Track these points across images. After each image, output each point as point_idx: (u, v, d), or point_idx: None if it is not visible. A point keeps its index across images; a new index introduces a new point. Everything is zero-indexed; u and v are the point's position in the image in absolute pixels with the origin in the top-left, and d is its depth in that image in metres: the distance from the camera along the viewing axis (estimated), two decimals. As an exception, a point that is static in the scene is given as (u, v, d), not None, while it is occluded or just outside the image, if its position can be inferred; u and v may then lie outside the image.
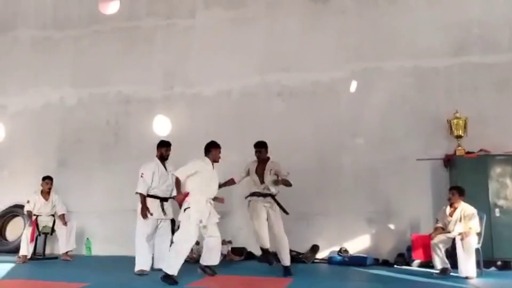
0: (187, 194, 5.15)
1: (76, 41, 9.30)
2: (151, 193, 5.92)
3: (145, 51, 8.89)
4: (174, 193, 5.84)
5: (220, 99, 8.34)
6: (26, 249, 7.03)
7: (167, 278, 4.79)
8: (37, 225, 7.35)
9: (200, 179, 5.16)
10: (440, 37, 7.62)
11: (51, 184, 7.65)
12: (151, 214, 5.79)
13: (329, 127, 7.79)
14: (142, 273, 5.58)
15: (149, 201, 5.87)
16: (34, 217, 7.36)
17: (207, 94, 8.46)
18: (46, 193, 7.59)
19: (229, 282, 5.30)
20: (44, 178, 7.63)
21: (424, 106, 7.46)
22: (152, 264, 5.80)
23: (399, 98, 7.62)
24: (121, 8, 9.09)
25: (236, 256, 7.32)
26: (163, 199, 5.98)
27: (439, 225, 6.11)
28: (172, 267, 4.83)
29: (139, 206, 5.82)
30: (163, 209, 5.93)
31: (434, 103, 7.43)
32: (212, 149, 5.44)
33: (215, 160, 5.45)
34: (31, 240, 7.16)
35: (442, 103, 7.35)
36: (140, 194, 5.83)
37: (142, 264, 5.66)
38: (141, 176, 5.90)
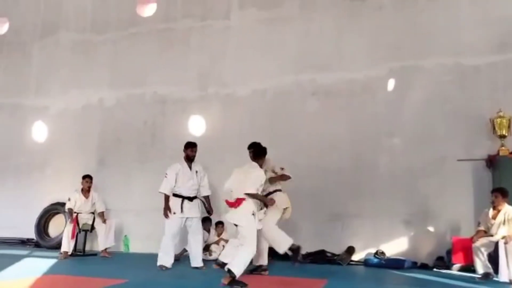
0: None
1: (114, 43, 9.56)
2: (175, 192, 6.16)
3: (181, 52, 9.02)
4: (203, 193, 6.38)
5: (255, 99, 8.35)
6: (67, 246, 7.27)
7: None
8: (77, 223, 7.58)
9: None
10: (482, 33, 7.35)
11: (91, 182, 7.87)
12: (174, 213, 6.04)
13: (365, 126, 7.65)
14: (161, 269, 5.91)
15: (172, 200, 6.14)
16: (74, 215, 7.59)
17: (241, 94, 8.49)
18: (86, 191, 7.82)
19: (266, 282, 5.28)
20: (84, 177, 7.86)
21: (465, 104, 7.21)
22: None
23: (438, 96, 7.39)
24: (157, 10, 9.32)
25: None
26: (187, 198, 6.17)
27: (481, 228, 5.89)
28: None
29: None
30: (182, 208, 6.11)
31: (476, 102, 7.17)
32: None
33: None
34: (72, 237, 7.39)
35: (484, 102, 7.08)
36: (164, 194, 6.15)
37: (164, 260, 5.98)
38: (165, 177, 6.22)
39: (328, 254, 7.30)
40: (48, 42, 10.12)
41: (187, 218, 6.13)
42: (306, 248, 7.43)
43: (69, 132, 9.46)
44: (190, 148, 6.36)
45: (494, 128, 6.81)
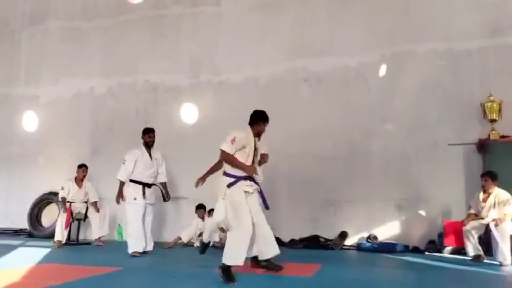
0: None
1: (104, 31, 9.45)
2: (135, 178, 6.24)
3: (172, 39, 8.95)
4: (160, 180, 6.48)
5: (247, 86, 8.33)
6: (61, 235, 7.26)
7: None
8: (71, 212, 7.57)
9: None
10: (474, 18, 7.36)
11: (86, 172, 7.86)
12: (134, 199, 6.15)
13: (358, 112, 7.68)
14: (135, 255, 5.98)
15: (133, 186, 6.22)
16: (68, 204, 7.58)
17: (234, 82, 8.47)
18: (80, 181, 7.80)
19: (252, 268, 5.32)
20: (80, 166, 7.83)
21: (457, 90, 7.25)
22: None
23: (431, 82, 7.43)
24: (148, -3, 9.18)
25: None
26: (146, 185, 6.26)
27: (472, 211, 5.97)
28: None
29: (119, 191, 6.28)
30: (144, 194, 6.22)
31: (468, 87, 7.21)
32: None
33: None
34: (66, 226, 7.39)
35: (476, 87, 7.12)
36: (119, 180, 6.26)
37: (135, 246, 6.07)
38: (123, 163, 6.27)
39: (322, 239, 7.38)
40: (37, 30, 9.98)
41: (146, 204, 6.26)
42: (300, 233, 7.52)
43: (61, 122, 9.39)
44: (148, 134, 6.38)
45: (484, 113, 6.85)
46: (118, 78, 9.16)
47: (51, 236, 7.70)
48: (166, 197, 6.56)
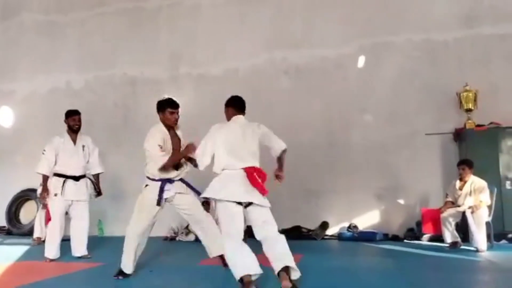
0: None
1: (80, 24, 9.27)
2: (58, 171, 5.25)
3: (151, 31, 8.83)
4: (93, 171, 5.49)
5: (227, 78, 8.29)
6: (39, 231, 7.15)
7: None
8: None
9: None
10: (450, 8, 7.47)
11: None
12: (55, 195, 5.16)
13: (337, 103, 7.73)
14: (46, 261, 5.11)
15: (54, 180, 5.24)
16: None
17: (214, 74, 8.42)
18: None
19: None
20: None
21: (434, 79, 7.37)
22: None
23: (408, 72, 7.52)
24: (125, -12, 9.04)
25: None
26: (71, 178, 5.25)
27: (449, 199, 6.10)
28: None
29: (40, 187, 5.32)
30: (63, 189, 5.19)
31: (444, 77, 7.32)
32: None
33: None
34: (46, 223, 7.26)
35: (453, 77, 7.24)
36: (42, 174, 5.24)
37: (48, 251, 5.16)
38: (43, 153, 5.28)
39: (303, 230, 7.44)
40: (11, 24, 9.73)
41: (72, 201, 5.25)
42: (282, 224, 7.55)
43: (38, 117, 9.20)
44: (71, 117, 5.37)
45: (461, 102, 6.98)
46: (95, 72, 9.01)
47: (29, 233, 7.58)
48: (98, 191, 5.57)
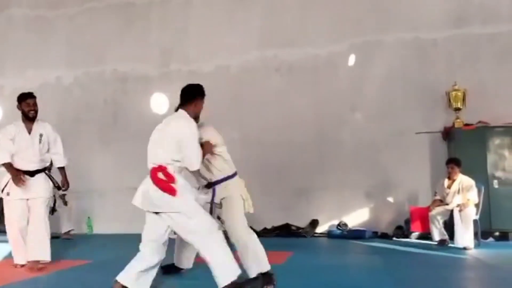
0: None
1: (70, 19, 9.16)
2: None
3: (141, 28, 8.77)
4: (56, 163, 4.75)
5: (218, 75, 8.26)
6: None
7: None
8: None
9: None
10: (439, 7, 7.51)
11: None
12: (7, 194, 4.51)
13: (328, 101, 7.75)
14: (15, 267, 4.55)
15: (7, 176, 4.52)
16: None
17: (205, 71, 8.38)
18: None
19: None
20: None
21: (423, 78, 7.41)
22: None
23: (398, 71, 7.56)
24: (115, -16, 8.96)
25: None
26: (26, 173, 4.47)
27: (437, 197, 6.16)
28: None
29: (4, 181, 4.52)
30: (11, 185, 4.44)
31: (433, 76, 7.37)
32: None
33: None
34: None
35: (441, 76, 7.29)
36: (4, 165, 4.44)
37: (15, 256, 4.58)
38: None
39: (293, 228, 7.47)
40: (-1, 18, 9.60)
41: (27, 200, 4.49)
42: (272, 222, 7.58)
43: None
44: (25, 101, 4.54)
45: (449, 101, 7.04)
46: (85, 68, 8.93)
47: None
48: (64, 184, 4.80)
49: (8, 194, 4.48)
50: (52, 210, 7.51)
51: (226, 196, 3.66)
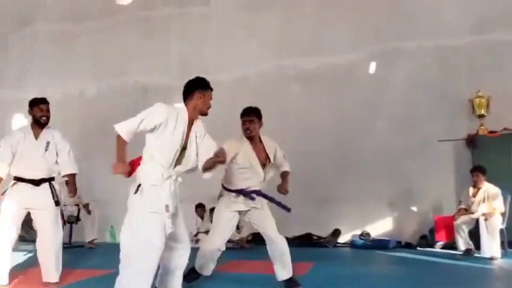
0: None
1: (93, 33, 9.40)
2: (14, 173, 4.10)
3: (161, 40, 8.93)
4: (65, 171, 4.30)
5: (237, 85, 8.33)
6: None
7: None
8: (63, 215, 7.51)
9: None
10: (461, 14, 7.43)
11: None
12: (2, 194, 4.09)
13: (348, 110, 7.71)
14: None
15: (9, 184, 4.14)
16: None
17: (223, 81, 8.42)
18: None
19: (252, 267, 5.35)
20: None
21: (446, 86, 7.31)
22: None
23: (420, 78, 7.48)
24: (136, -2, 9.17)
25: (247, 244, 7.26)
26: (30, 182, 4.08)
27: (462, 206, 6.04)
28: None
29: None
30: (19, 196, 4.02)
31: (456, 83, 7.27)
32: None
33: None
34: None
35: (464, 82, 7.19)
36: None
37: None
38: None
39: (315, 237, 7.41)
40: (26, 33, 9.89)
41: (29, 210, 4.10)
42: (293, 232, 7.53)
43: (51, 125, 9.30)
44: (38, 106, 4.27)
45: (473, 108, 6.92)
46: (108, 80, 9.12)
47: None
48: (70, 192, 4.43)
49: (3, 194, 4.02)
50: (76, 220, 7.69)
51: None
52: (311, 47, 8.08)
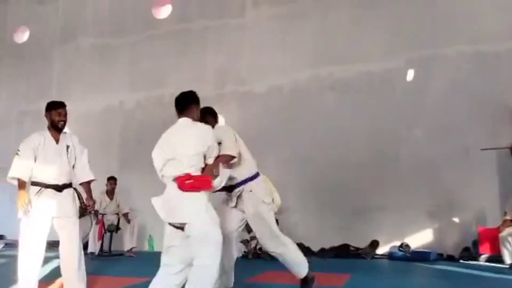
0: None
1: (132, 46, 9.70)
2: (33, 179, 3.89)
3: (198, 52, 9.09)
4: (82, 178, 4.13)
5: (272, 95, 8.36)
6: (93, 247, 7.41)
7: None
8: (103, 224, 7.72)
9: None
10: (501, 19, 7.19)
11: (115, 184, 8.02)
12: (28, 210, 3.73)
13: (385, 118, 7.57)
14: None
15: (30, 190, 3.86)
16: (100, 216, 7.73)
17: (258, 91, 8.51)
18: (110, 193, 7.97)
19: (289, 278, 5.29)
20: (108, 179, 8.01)
21: (487, 92, 7.07)
22: None
23: (459, 85, 7.27)
24: (173, 11, 9.40)
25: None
26: (53, 187, 3.90)
27: (508, 217, 5.82)
28: None
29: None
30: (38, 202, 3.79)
31: (498, 89, 7.02)
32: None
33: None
34: (99, 238, 7.53)
35: (507, 89, 6.93)
36: (18, 179, 3.79)
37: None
38: (17, 154, 3.88)
39: (352, 248, 7.28)
40: (68, 47, 10.33)
41: (53, 218, 3.88)
42: (330, 242, 7.44)
43: (91, 136, 9.58)
44: (55, 109, 4.14)
45: (517, 115, 6.66)
46: (146, 92, 9.36)
47: (84, 248, 7.84)
48: (88, 204, 4.12)
49: (30, 204, 3.74)
50: (116, 228, 7.88)
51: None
52: (346, 55, 8.01)
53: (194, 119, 3.51)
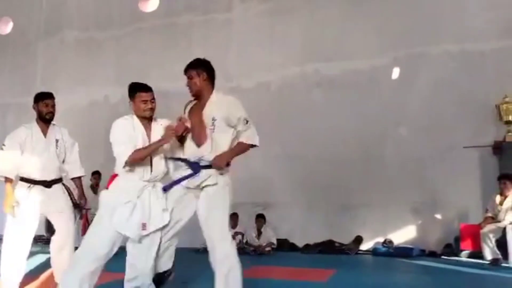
0: None
1: (117, 40, 9.59)
2: (22, 174, 3.76)
3: (184, 46, 9.01)
4: (72, 174, 4.04)
5: (259, 91, 8.34)
6: (77, 242, 7.32)
7: None
8: (87, 219, 7.65)
9: None
10: (487, 18, 7.28)
11: (99, 178, 7.95)
12: (14, 205, 3.65)
13: (371, 116, 7.63)
14: None
15: (17, 186, 3.75)
16: (84, 211, 7.65)
17: (246, 87, 8.48)
18: (95, 188, 7.90)
19: (274, 273, 5.33)
20: (93, 173, 7.93)
21: (472, 91, 7.16)
22: None
23: (444, 84, 7.35)
24: (160, 6, 9.31)
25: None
26: (41, 183, 3.78)
27: (489, 214, 5.92)
28: None
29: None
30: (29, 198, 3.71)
31: (482, 88, 7.12)
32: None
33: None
34: (82, 234, 7.45)
35: (491, 88, 7.03)
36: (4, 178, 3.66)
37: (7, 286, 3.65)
38: (1, 149, 3.75)
39: (337, 244, 7.34)
40: (52, 41, 10.17)
41: (45, 214, 3.88)
42: (315, 238, 7.48)
43: (76, 130, 9.35)
44: (43, 100, 3.96)
45: (500, 114, 6.77)
46: (131, 86, 9.27)
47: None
48: (80, 201, 4.09)
49: (16, 203, 3.63)
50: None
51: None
52: (334, 52, 8.03)
53: None
